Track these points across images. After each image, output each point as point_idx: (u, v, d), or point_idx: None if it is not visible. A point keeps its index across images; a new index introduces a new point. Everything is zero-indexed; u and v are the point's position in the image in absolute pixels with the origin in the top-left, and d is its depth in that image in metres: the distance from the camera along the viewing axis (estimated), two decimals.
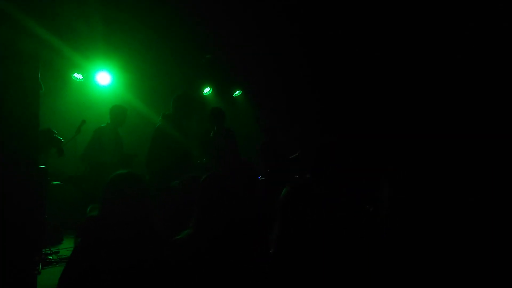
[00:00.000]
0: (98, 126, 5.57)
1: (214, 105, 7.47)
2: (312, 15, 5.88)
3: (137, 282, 1.84)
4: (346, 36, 5.88)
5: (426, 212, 2.26)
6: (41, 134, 3.89)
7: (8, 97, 3.03)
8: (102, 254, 1.82)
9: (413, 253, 2.11)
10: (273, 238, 2.26)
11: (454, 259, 2.15)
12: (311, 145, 5.50)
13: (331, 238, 2.11)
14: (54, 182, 6.03)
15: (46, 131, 4.75)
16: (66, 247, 5.13)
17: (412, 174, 2.26)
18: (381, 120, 5.46)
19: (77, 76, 7.33)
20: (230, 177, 2.53)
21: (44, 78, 3.37)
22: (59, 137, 4.85)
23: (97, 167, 5.34)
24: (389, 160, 4.54)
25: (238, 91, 8.88)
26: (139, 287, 1.84)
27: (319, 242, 2.08)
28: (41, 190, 4.22)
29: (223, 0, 5.85)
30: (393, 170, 2.29)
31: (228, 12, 6.08)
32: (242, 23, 6.34)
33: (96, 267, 1.80)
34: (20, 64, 3.11)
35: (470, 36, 4.21)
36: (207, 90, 8.73)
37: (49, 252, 4.76)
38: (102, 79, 7.41)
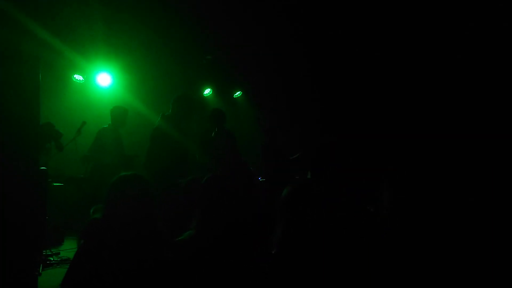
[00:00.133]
0: (100, 127, 5.59)
1: (215, 106, 7.48)
2: (312, 15, 5.88)
3: (140, 284, 1.84)
4: (346, 36, 5.88)
5: (427, 212, 2.26)
6: (40, 127, 3.90)
7: (9, 98, 3.04)
8: (106, 256, 1.81)
9: (414, 253, 2.11)
10: (275, 239, 2.26)
11: (454, 259, 2.15)
12: (311, 145, 5.50)
13: (331, 238, 2.11)
14: (55, 183, 6.03)
15: (46, 125, 4.77)
16: (67, 249, 5.12)
17: (412, 174, 2.25)
18: (381, 120, 5.46)
19: (78, 77, 7.34)
20: (230, 178, 2.53)
21: (44, 79, 3.38)
22: (59, 130, 4.85)
23: (98, 168, 5.35)
24: (389, 160, 4.54)
25: (239, 92, 8.88)
26: None
27: (319, 242, 2.08)
28: (41, 191, 4.22)
29: (223, 1, 5.85)
30: (393, 170, 2.29)
31: (228, 12, 6.09)
32: (242, 23, 6.35)
33: (99, 269, 1.79)
34: (20, 65, 3.12)
35: (470, 36, 4.21)
36: (207, 91, 8.74)
37: (49, 253, 4.76)
38: (103, 80, 7.42)
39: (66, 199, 6.07)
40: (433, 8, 4.56)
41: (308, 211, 2.16)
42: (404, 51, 5.08)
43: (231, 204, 2.26)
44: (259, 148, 5.94)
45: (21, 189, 3.02)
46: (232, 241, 2.14)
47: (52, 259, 4.66)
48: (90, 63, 7.13)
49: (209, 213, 2.23)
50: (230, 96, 8.93)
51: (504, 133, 3.92)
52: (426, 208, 2.20)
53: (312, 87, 7.15)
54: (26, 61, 3.19)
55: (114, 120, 5.53)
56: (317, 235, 2.08)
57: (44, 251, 4.61)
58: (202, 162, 5.23)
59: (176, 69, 7.87)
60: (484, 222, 2.81)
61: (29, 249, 3.09)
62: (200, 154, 5.16)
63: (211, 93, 8.76)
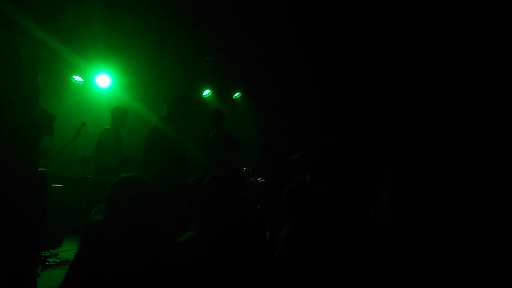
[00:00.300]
0: (100, 128, 5.59)
1: (214, 107, 7.49)
2: (312, 15, 5.88)
3: (141, 285, 1.84)
4: (346, 36, 5.88)
5: (426, 213, 2.25)
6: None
7: (8, 99, 3.03)
8: (107, 257, 1.81)
9: (413, 253, 2.11)
10: (278, 240, 2.27)
11: (454, 259, 2.15)
12: (311, 145, 5.49)
13: (332, 239, 2.11)
14: (54, 185, 6.02)
15: (41, 111, 4.75)
16: (66, 250, 5.12)
17: (412, 175, 2.25)
18: (381, 120, 5.45)
19: (77, 78, 7.34)
20: (231, 178, 2.53)
21: (44, 80, 3.37)
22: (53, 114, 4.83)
23: (100, 169, 5.35)
24: (389, 161, 4.54)
25: (238, 93, 8.89)
26: None
27: (321, 242, 2.08)
28: (40, 192, 4.21)
29: (223, 2, 5.85)
30: (393, 171, 2.29)
31: (228, 13, 6.09)
32: (242, 24, 6.35)
33: (100, 270, 1.79)
34: (20, 66, 3.11)
35: (470, 36, 4.22)
36: (207, 92, 8.74)
37: (48, 254, 4.75)
38: (102, 81, 7.42)
39: (65, 200, 6.06)
40: (433, 8, 4.56)
41: (308, 211, 2.16)
42: (404, 51, 5.08)
43: (232, 205, 2.26)
44: (259, 149, 5.93)
45: (20, 190, 3.01)
46: (232, 242, 2.14)
47: (51, 260, 4.65)
48: (90, 64, 7.12)
49: (210, 213, 2.22)
50: (230, 97, 8.93)
51: (504, 133, 3.91)
52: (426, 209, 2.19)
53: (312, 87, 7.15)
54: (25, 62, 3.18)
55: (114, 121, 5.53)
56: (318, 236, 2.08)
57: (43, 252, 4.60)
58: (202, 162, 5.23)
59: (176, 70, 7.87)
60: (484, 223, 2.81)
61: (28, 250, 3.08)
62: (199, 154, 5.17)
63: (210, 94, 8.76)
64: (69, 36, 6.02)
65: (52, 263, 4.59)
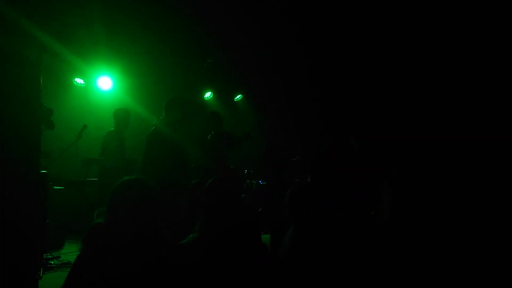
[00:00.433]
0: (101, 130, 5.60)
1: (215, 109, 7.51)
2: (312, 15, 5.89)
3: (143, 287, 1.84)
4: (346, 36, 5.88)
5: (426, 214, 2.25)
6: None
7: (10, 101, 3.04)
8: (108, 260, 1.81)
9: (413, 254, 2.11)
10: (283, 243, 2.27)
11: (454, 260, 2.14)
12: (311, 146, 5.50)
13: (337, 239, 2.11)
14: (55, 187, 6.03)
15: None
16: (67, 252, 5.11)
17: (412, 176, 2.25)
18: (381, 121, 5.45)
19: (79, 81, 7.35)
20: (234, 180, 2.55)
21: (45, 83, 3.39)
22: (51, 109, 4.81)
23: (104, 172, 5.36)
24: (389, 161, 4.53)
25: (239, 95, 8.90)
26: None
27: (326, 243, 2.08)
28: (42, 195, 4.22)
29: (224, 5, 5.87)
30: (393, 172, 2.29)
31: (229, 16, 6.10)
32: (243, 26, 6.36)
33: (101, 272, 1.79)
34: (22, 69, 3.12)
35: (470, 36, 4.21)
36: (208, 95, 8.75)
37: (50, 257, 4.75)
38: (104, 83, 7.42)
39: (67, 202, 6.06)
40: (433, 8, 4.56)
41: (312, 212, 2.17)
42: (404, 51, 5.08)
43: (235, 207, 2.26)
44: (260, 151, 5.94)
45: (21, 192, 3.02)
46: (235, 243, 2.14)
47: (52, 262, 4.64)
48: (91, 66, 7.13)
49: (213, 215, 2.23)
50: (231, 99, 8.94)
51: (504, 134, 3.90)
52: (426, 210, 2.19)
53: (313, 88, 7.15)
54: (27, 64, 3.19)
55: (117, 123, 5.53)
56: (324, 237, 2.09)
57: (45, 254, 4.60)
58: (201, 163, 5.25)
59: (177, 72, 7.88)
60: (484, 223, 2.80)
61: (30, 253, 3.09)
62: (199, 156, 5.19)
63: (211, 96, 8.77)
64: (70, 39, 6.03)
65: (53, 265, 4.58)
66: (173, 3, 6.05)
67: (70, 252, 5.04)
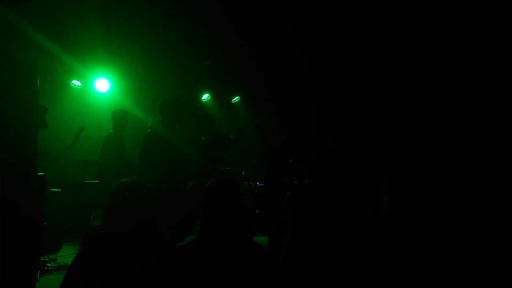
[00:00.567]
0: (99, 133, 5.60)
1: (213, 111, 7.53)
2: (312, 15, 5.90)
3: None
4: (346, 37, 5.89)
5: (427, 215, 2.25)
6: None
7: (7, 103, 3.04)
8: (107, 261, 1.81)
9: (413, 255, 2.11)
10: (283, 244, 2.27)
11: (454, 261, 2.15)
12: (311, 146, 5.50)
13: (338, 240, 2.11)
14: (53, 189, 6.01)
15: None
16: (65, 255, 5.09)
17: (412, 176, 2.25)
18: (381, 121, 5.46)
19: (76, 83, 7.33)
20: (233, 182, 2.55)
21: (43, 85, 3.38)
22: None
23: (103, 173, 5.36)
24: (388, 161, 4.54)
25: (237, 97, 8.91)
26: None
27: (327, 244, 2.08)
28: (39, 197, 4.20)
29: (222, 6, 5.88)
30: (393, 172, 2.29)
31: (227, 18, 6.11)
32: (241, 28, 6.37)
33: (98, 274, 1.79)
34: (19, 71, 3.12)
35: (470, 36, 4.23)
36: (205, 97, 8.75)
37: (47, 259, 4.73)
38: (101, 86, 7.41)
39: (64, 204, 6.04)
40: (433, 8, 4.57)
41: (312, 213, 2.17)
42: (404, 51, 5.09)
43: (234, 208, 2.26)
44: (258, 153, 5.94)
45: (19, 195, 3.01)
46: (235, 245, 2.14)
47: (49, 265, 4.63)
48: (88, 68, 7.13)
49: (213, 216, 2.22)
50: (229, 101, 8.95)
51: (504, 134, 3.92)
52: (426, 210, 2.19)
53: (312, 89, 7.16)
54: (24, 66, 3.19)
55: (116, 124, 5.53)
56: (325, 238, 2.09)
57: (42, 257, 4.58)
58: (197, 164, 5.26)
59: (174, 74, 7.88)
60: (485, 223, 2.81)
61: (27, 255, 3.08)
62: (194, 157, 5.20)
63: (209, 98, 8.77)
64: (67, 41, 6.03)
65: (51, 268, 4.56)
66: (170, 6, 6.06)
67: (67, 255, 5.01)
